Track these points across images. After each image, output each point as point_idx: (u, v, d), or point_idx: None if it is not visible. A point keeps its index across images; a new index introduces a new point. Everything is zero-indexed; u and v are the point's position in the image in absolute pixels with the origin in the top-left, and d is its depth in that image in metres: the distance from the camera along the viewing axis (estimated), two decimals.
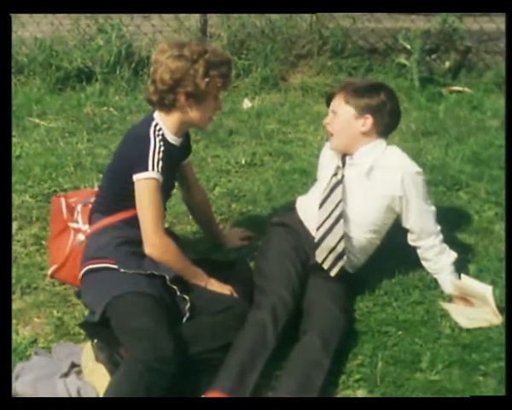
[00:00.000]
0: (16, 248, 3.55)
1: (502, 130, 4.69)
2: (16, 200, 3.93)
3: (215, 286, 2.98)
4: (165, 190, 3.03)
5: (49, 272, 3.18)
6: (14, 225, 3.70)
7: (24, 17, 6.01)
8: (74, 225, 3.14)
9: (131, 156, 2.96)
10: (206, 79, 2.92)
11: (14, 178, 4.10)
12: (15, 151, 4.51)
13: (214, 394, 2.66)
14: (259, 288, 3.07)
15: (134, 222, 2.96)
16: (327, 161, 3.40)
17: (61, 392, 2.68)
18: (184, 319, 2.85)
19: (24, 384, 2.72)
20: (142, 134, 2.99)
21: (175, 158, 3.10)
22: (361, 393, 2.78)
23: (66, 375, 2.75)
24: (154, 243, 2.93)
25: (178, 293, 2.88)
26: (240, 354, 2.79)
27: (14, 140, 4.69)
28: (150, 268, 2.90)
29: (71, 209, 3.20)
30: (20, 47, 5.88)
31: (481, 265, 3.47)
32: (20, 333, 3.04)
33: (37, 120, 5.06)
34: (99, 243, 2.99)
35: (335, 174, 3.25)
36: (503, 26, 4.60)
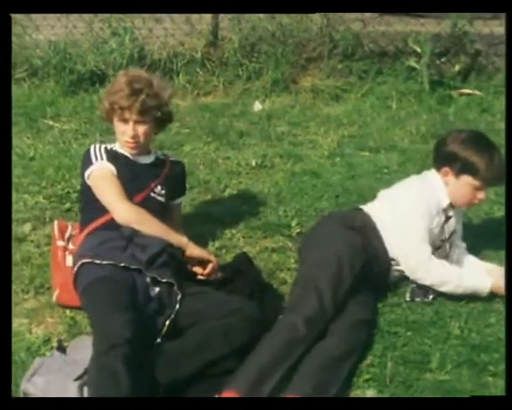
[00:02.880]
0: (30, 248, 3.59)
1: None
2: (30, 201, 3.97)
3: (195, 253, 3.13)
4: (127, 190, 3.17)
5: (54, 298, 3.20)
6: (28, 226, 3.73)
7: (38, 20, 6.06)
8: (61, 243, 3.23)
9: (82, 166, 3.28)
10: (105, 101, 3.29)
11: (27, 180, 4.15)
12: (29, 153, 4.56)
13: (229, 393, 2.61)
14: (305, 278, 3.05)
15: (111, 226, 3.09)
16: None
17: (73, 396, 2.62)
18: (173, 313, 2.86)
19: (35, 385, 2.68)
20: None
21: (131, 166, 3.25)
22: (370, 393, 2.78)
23: (80, 378, 2.67)
24: (122, 209, 3.11)
25: (164, 280, 2.90)
26: (263, 356, 2.72)
27: (28, 142, 4.74)
28: (125, 262, 2.96)
29: (62, 228, 3.32)
30: (35, 50, 5.93)
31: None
32: (34, 332, 3.07)
33: (50, 122, 5.10)
34: (79, 251, 3.09)
35: (446, 220, 3.34)
36: None
